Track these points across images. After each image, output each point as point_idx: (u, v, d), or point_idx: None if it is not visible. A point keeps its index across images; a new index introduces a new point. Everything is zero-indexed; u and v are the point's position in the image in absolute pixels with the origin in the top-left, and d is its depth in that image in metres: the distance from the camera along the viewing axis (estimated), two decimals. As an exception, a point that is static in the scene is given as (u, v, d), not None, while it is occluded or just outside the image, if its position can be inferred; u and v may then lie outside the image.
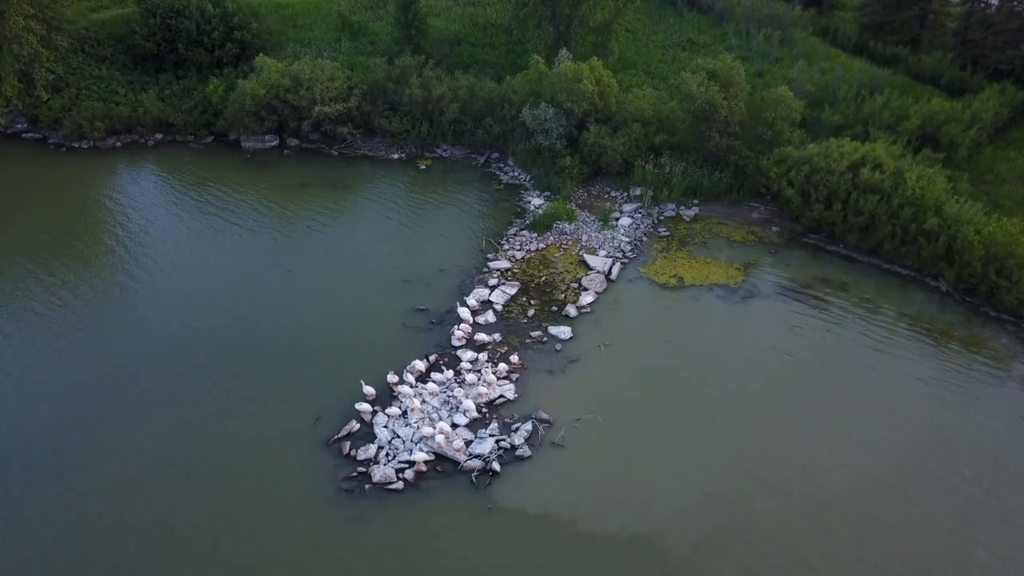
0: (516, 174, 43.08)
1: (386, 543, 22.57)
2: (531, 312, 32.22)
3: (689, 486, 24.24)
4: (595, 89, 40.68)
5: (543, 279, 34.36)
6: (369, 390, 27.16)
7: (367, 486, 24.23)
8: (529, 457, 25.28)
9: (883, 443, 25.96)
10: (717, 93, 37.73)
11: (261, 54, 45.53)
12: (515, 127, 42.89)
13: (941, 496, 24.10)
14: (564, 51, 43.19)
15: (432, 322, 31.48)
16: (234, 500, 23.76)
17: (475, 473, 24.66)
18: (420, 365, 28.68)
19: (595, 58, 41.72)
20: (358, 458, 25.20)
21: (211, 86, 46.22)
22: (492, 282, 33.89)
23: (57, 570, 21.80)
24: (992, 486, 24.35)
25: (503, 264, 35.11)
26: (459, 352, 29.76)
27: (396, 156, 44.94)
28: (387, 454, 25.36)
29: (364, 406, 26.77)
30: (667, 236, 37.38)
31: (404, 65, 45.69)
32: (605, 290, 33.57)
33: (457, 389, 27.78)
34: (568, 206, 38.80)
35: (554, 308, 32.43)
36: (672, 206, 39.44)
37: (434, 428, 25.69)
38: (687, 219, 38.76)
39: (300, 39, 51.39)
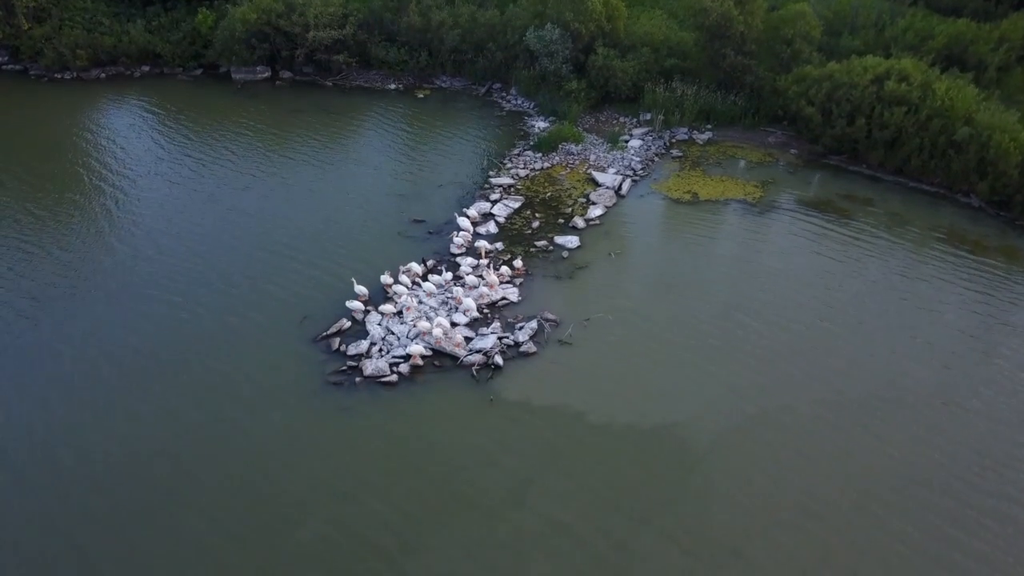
0: (519, 102, 40.95)
1: (377, 435, 20.40)
2: (536, 224, 30.09)
3: (712, 380, 22.09)
4: (603, 11, 38.65)
5: (548, 195, 32.22)
6: (361, 289, 24.98)
7: (357, 379, 22.04)
8: (534, 353, 23.11)
9: (921, 343, 23.85)
10: (732, 7, 35.66)
11: (254, -26, 43.44)
12: (518, 54, 40.78)
13: (991, 397, 22.00)
14: (570, -30, 41.08)
15: (430, 232, 29.36)
16: (214, 390, 21.66)
17: (476, 367, 22.49)
18: (417, 268, 26.51)
19: (603, -23, 39.62)
20: (348, 353, 23.03)
21: (200, 16, 44.09)
22: (494, 197, 31.75)
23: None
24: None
25: (506, 180, 32.97)
26: (458, 259, 27.65)
27: (393, 87, 42.84)
28: (380, 349, 23.19)
29: (356, 304, 24.56)
30: (680, 157, 35.26)
31: (402, -8, 43.67)
32: (615, 204, 31.43)
33: (457, 289, 25.57)
34: (575, 129, 36.68)
35: (560, 221, 30.29)
36: (684, 130, 37.31)
37: (431, 323, 23.54)
38: (700, 143, 36.66)
39: (294, -27, 49.31)
